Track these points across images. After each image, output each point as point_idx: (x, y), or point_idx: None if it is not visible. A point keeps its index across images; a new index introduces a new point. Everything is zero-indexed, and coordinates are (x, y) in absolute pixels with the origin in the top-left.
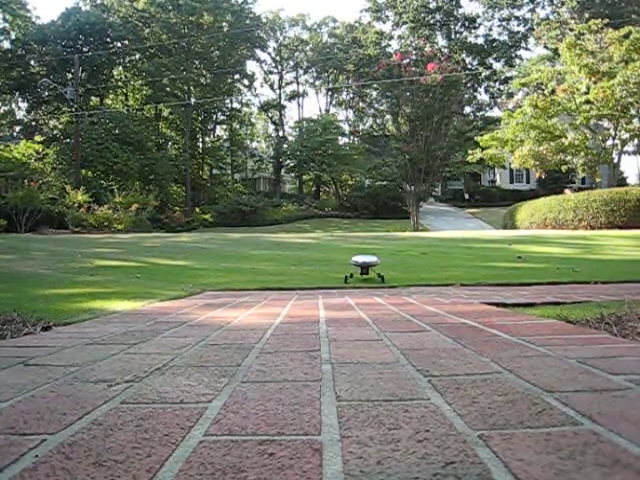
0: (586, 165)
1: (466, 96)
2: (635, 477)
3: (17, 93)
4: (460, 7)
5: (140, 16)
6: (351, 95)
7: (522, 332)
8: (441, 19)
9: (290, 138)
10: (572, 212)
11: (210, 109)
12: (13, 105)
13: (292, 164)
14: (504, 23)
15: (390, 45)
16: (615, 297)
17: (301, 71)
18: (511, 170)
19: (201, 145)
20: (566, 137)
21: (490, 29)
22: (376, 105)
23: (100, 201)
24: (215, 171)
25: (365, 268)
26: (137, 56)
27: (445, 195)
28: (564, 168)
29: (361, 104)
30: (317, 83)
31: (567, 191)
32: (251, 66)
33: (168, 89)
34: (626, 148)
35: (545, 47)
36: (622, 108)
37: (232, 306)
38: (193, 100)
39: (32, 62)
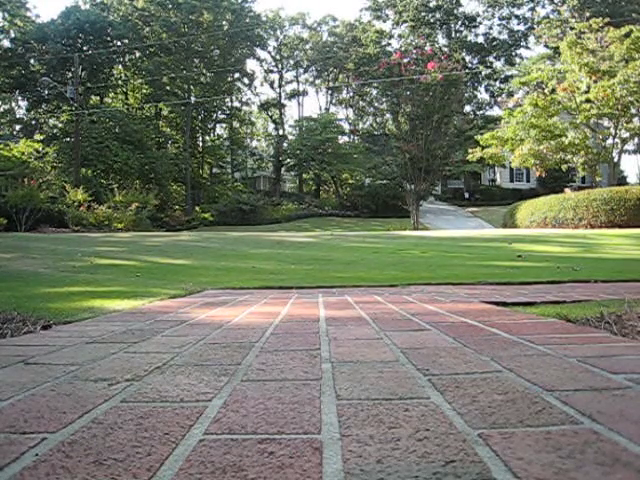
0: (586, 164)
1: (466, 95)
2: (635, 476)
3: (17, 92)
4: (460, 6)
5: (140, 15)
6: (351, 94)
7: (522, 331)
8: (441, 18)
9: (290, 137)
10: (572, 211)
11: (210, 108)
12: (13, 104)
13: (292, 163)
14: (504, 22)
15: (390, 44)
16: (615, 296)
17: (301, 70)
18: (511, 169)
19: (201, 144)
20: (566, 136)
21: (490, 28)
22: (376, 104)
23: (100, 200)
24: (215, 170)
25: None
26: (137, 55)
27: (445, 194)
28: (564, 167)
29: (361, 103)
30: (317, 82)
31: (567, 190)
32: (251, 65)
33: (168, 88)
34: (626, 147)
35: (545, 46)
36: (622, 107)
37: (232, 305)
38: (193, 99)
39: (32, 61)
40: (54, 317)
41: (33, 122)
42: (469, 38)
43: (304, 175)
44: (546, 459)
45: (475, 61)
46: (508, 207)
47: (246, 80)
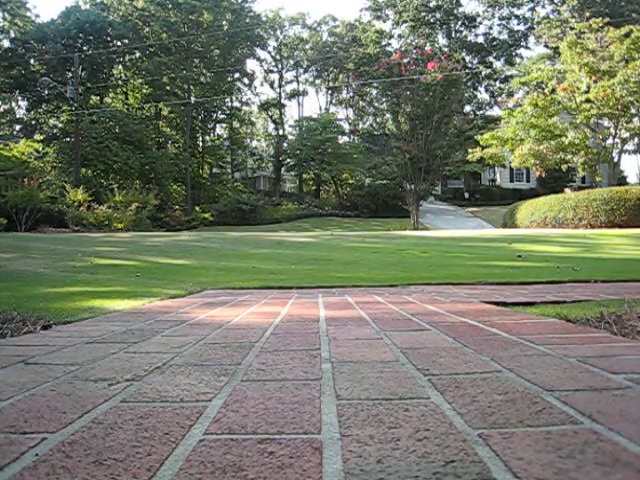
0: (586, 164)
1: (466, 95)
2: (635, 476)
3: (17, 92)
4: (460, 6)
5: (140, 15)
6: (351, 94)
7: (522, 331)
8: (441, 18)
9: (290, 137)
10: (572, 211)
11: (210, 108)
12: (13, 104)
13: (292, 163)
14: (504, 22)
15: (390, 44)
16: (615, 296)
17: (301, 70)
18: (511, 169)
19: (201, 144)
20: (566, 136)
21: (490, 28)
22: (376, 104)
23: (100, 200)
24: (215, 170)
25: None
26: (137, 55)
27: (445, 194)
28: (564, 167)
29: (361, 103)
30: (317, 82)
31: (567, 190)
32: (251, 65)
33: (168, 88)
34: (626, 147)
35: (545, 46)
36: (622, 107)
37: (232, 305)
38: (193, 99)
39: (32, 61)
40: (54, 317)
41: (33, 122)
42: (469, 38)
43: (304, 175)
44: (546, 459)
45: (475, 61)
46: (508, 207)
47: (246, 80)
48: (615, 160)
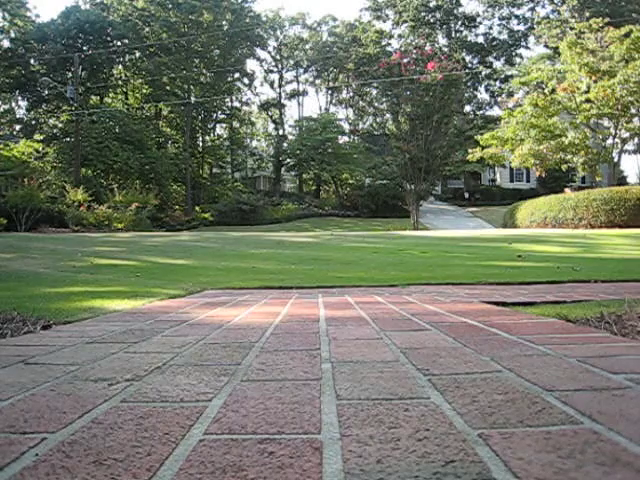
0: (586, 164)
1: (466, 95)
2: (635, 476)
3: (17, 92)
4: (460, 6)
5: (140, 15)
6: (351, 94)
7: (522, 331)
8: (441, 18)
9: (290, 137)
10: (572, 211)
11: (210, 108)
12: (13, 104)
13: (292, 163)
14: (504, 22)
15: (390, 44)
16: (615, 296)
17: (301, 70)
18: (511, 169)
19: (201, 144)
20: (566, 136)
21: (490, 28)
22: (376, 104)
23: (100, 200)
24: (215, 170)
25: None
26: (137, 55)
27: (445, 194)
28: (564, 167)
29: (361, 103)
30: (317, 82)
31: (567, 190)
32: (251, 65)
33: (168, 88)
34: (626, 147)
35: (545, 46)
36: (622, 107)
37: (232, 305)
38: (193, 99)
39: (32, 61)
40: (54, 317)
41: (33, 122)
42: (469, 38)
43: (304, 175)
44: (546, 459)
45: (475, 61)
46: (508, 207)
47: (246, 80)
48: (615, 160)
